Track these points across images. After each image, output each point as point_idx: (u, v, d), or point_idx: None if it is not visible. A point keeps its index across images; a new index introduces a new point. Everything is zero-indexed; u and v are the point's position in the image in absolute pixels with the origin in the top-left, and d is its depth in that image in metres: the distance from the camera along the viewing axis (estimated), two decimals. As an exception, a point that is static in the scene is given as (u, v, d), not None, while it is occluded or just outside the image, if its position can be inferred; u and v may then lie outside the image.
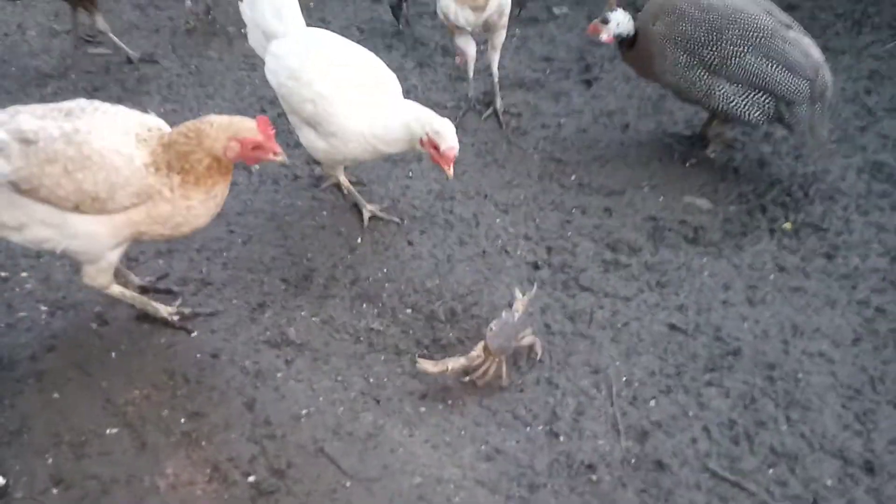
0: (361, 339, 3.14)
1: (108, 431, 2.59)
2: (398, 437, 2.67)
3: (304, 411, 2.71)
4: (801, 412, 2.91)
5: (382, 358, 3.06)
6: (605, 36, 4.09)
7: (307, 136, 3.47)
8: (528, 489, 2.59)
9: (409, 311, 3.34)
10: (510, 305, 3.06)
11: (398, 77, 3.55)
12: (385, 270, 3.56)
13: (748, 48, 3.83)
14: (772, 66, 3.82)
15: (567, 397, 2.97)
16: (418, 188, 4.12)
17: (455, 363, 2.83)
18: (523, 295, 3.06)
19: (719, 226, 3.91)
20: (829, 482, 2.65)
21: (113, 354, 2.90)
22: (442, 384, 2.97)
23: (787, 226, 3.89)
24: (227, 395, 2.75)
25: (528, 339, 3.01)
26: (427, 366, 2.81)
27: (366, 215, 3.80)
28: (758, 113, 4.00)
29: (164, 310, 3.03)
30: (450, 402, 2.88)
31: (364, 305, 3.34)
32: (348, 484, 2.46)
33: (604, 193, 4.12)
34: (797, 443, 2.79)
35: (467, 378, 2.89)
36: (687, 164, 4.24)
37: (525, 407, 2.93)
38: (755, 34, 3.84)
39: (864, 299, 3.43)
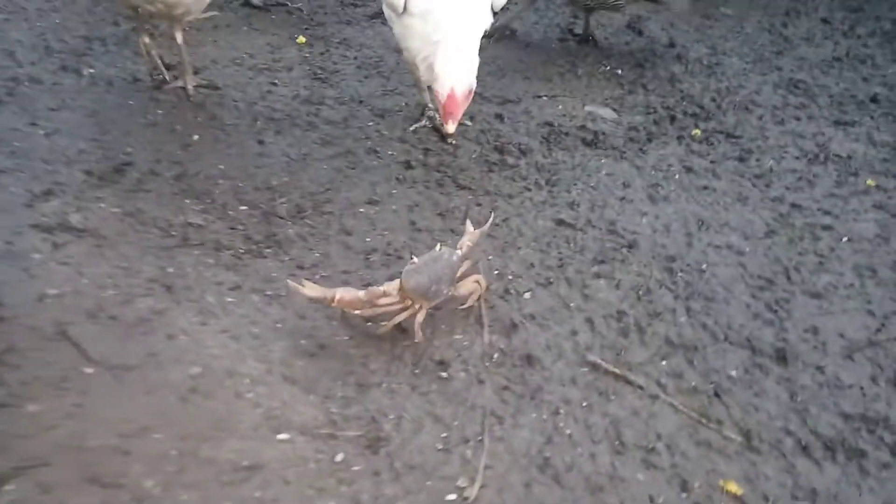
0: (174, 233, 2.52)
1: None
2: (183, 324, 2.05)
3: (53, 292, 2.07)
4: (703, 303, 2.42)
5: (196, 252, 2.44)
6: None
7: None
8: (357, 389, 2.01)
9: (243, 207, 2.75)
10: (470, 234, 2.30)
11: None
12: (222, 167, 2.96)
13: None
14: None
15: (424, 292, 2.43)
16: (282, 93, 3.54)
17: (347, 294, 2.06)
18: (475, 228, 2.33)
19: (623, 133, 3.47)
20: (733, 373, 2.15)
21: None
22: (264, 275, 2.39)
23: (697, 132, 3.49)
24: (-43, 275, 2.11)
25: (468, 285, 2.22)
26: (306, 290, 2.06)
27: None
28: None
29: None
30: (269, 292, 2.30)
31: (187, 201, 2.72)
32: (89, 371, 1.83)
33: (497, 102, 3.64)
34: (697, 334, 2.29)
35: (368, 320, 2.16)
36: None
37: (369, 301, 2.38)
38: None
39: (779, 196, 3.01)
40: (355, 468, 1.79)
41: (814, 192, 3.04)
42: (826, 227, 2.80)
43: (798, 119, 3.64)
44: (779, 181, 3.11)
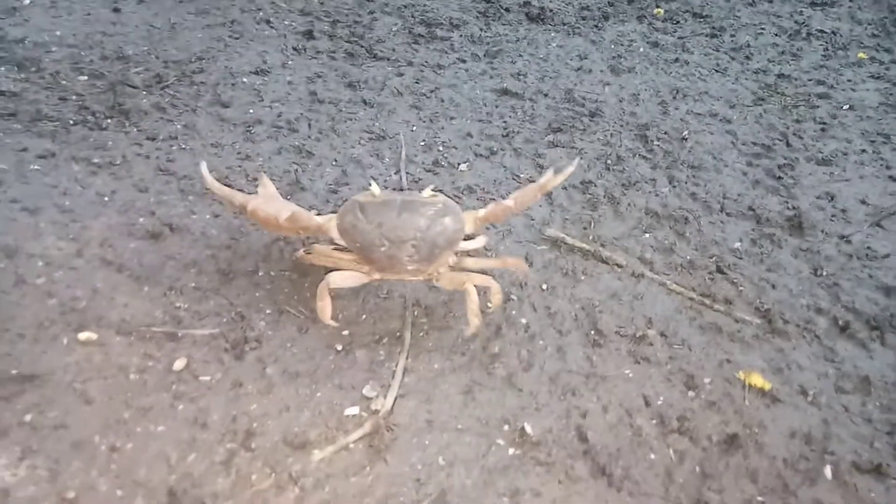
0: (-26, 98, 1.84)
1: None
2: (-54, 186, 1.40)
3: None
4: (689, 172, 1.90)
5: (2, 121, 1.78)
6: None
7: None
8: (219, 277, 1.39)
9: (83, 77, 2.06)
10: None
11: None
12: (59, 34, 2.25)
13: None
14: None
15: (324, 167, 1.80)
16: (153, -34, 2.87)
17: (265, 207, 1.28)
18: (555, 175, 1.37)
19: (574, 12, 2.92)
20: (737, 245, 1.65)
21: None
22: (97, 144, 1.73)
23: (660, 12, 2.99)
24: None
25: (461, 279, 1.26)
26: (214, 184, 1.31)
27: None
28: None
29: None
30: (97, 160, 1.64)
31: (2, 68, 2.03)
32: None
33: (423, -19, 3.06)
34: (686, 204, 1.77)
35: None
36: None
37: (247, 174, 1.74)
38: None
39: (763, 68, 2.52)
40: (203, 378, 1.18)
41: (801, 64, 2.57)
42: (822, 96, 2.33)
43: (770, 1, 3.20)
44: (760, 55, 2.62)
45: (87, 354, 1.14)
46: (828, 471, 1.14)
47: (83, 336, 1.16)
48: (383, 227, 1.23)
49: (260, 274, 1.42)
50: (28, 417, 1.02)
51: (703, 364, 1.31)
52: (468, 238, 1.34)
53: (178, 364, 1.17)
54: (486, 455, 1.10)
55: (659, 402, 1.22)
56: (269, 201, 1.33)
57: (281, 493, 1.01)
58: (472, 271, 1.31)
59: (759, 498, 1.09)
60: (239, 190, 1.38)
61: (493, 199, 1.71)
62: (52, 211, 1.42)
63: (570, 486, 1.08)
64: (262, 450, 1.06)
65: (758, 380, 1.28)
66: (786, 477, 1.12)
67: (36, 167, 1.55)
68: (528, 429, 1.15)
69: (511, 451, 1.12)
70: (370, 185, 1.29)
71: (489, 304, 1.31)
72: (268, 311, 1.32)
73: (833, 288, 1.52)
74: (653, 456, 1.13)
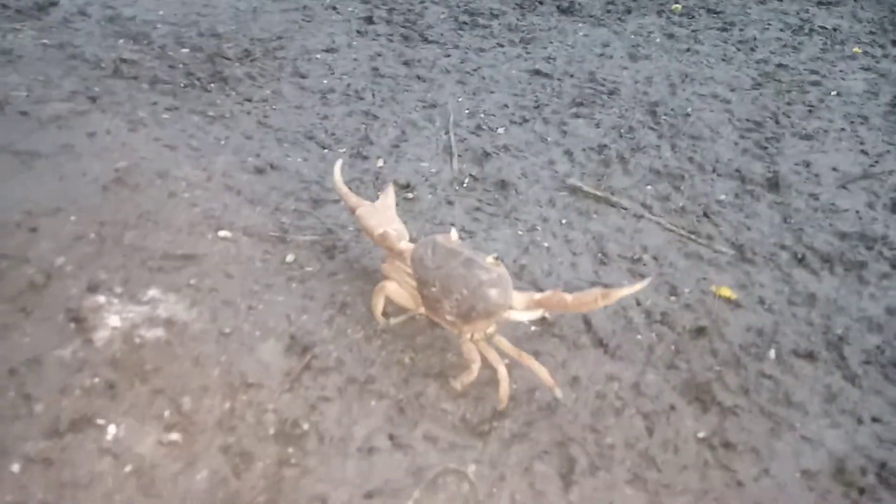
0: (104, 65, 2.24)
1: None
2: (108, 126, 1.81)
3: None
4: (689, 141, 2.25)
5: (130, 81, 2.19)
6: None
7: None
8: (312, 204, 1.79)
9: (185, 50, 2.48)
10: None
11: None
12: (162, 13, 2.68)
13: None
14: None
15: (387, 127, 2.20)
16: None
17: (367, 216, 1.46)
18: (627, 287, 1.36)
19: (601, 4, 3.28)
20: (722, 197, 1.99)
21: None
22: (207, 101, 2.14)
23: (677, 7, 3.32)
24: None
25: (482, 351, 1.35)
26: (340, 181, 1.53)
27: None
28: None
29: None
30: (212, 113, 2.05)
31: (121, 41, 2.44)
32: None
33: (466, -25, 3.43)
34: (683, 165, 2.13)
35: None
36: None
37: (326, 130, 2.14)
38: None
39: (764, 58, 2.86)
40: (308, 269, 1.58)
41: (800, 56, 2.90)
42: (814, 83, 2.66)
43: (781, 0, 3.51)
44: (764, 47, 2.96)
45: (225, 246, 1.54)
46: (772, 353, 1.50)
47: (221, 234, 1.57)
48: (441, 270, 1.33)
49: (341, 203, 1.81)
50: (192, 281, 1.43)
51: (685, 280, 1.68)
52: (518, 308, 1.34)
53: (289, 258, 1.57)
54: (515, 329, 1.48)
55: (647, 303, 1.59)
56: (374, 213, 1.48)
57: (369, 342, 1.40)
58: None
59: (717, 367, 1.46)
60: (347, 196, 1.52)
61: (525, 157, 2.09)
62: (185, 149, 1.83)
63: (576, 351, 1.46)
64: (353, 315, 1.45)
65: (726, 291, 1.64)
66: (739, 356, 1.49)
67: (166, 116, 1.97)
68: (547, 315, 1.53)
69: (533, 328, 1.50)
70: (450, 230, 1.43)
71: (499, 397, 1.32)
72: (350, 228, 1.72)
73: (798, 232, 1.87)
74: (639, 336, 1.51)
